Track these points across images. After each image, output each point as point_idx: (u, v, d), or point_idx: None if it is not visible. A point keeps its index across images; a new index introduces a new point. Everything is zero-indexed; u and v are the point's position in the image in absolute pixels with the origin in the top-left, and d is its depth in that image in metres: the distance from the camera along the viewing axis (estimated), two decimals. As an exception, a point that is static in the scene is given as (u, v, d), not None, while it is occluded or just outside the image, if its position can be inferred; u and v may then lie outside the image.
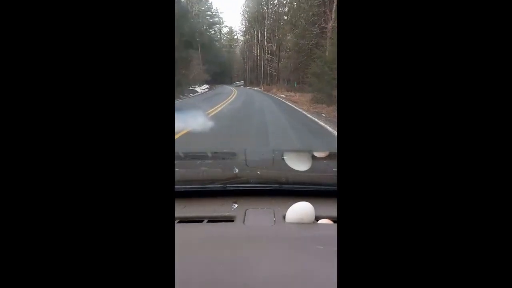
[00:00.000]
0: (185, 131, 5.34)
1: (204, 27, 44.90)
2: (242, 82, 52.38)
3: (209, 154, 1.45)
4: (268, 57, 34.41)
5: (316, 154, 1.33)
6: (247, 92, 24.92)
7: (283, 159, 1.24)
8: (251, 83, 41.92)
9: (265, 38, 36.37)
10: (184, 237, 0.54)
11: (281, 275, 0.44)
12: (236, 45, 63.26)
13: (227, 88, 33.02)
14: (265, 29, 36.22)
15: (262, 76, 36.62)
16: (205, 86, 30.89)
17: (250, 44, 46.18)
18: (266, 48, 35.89)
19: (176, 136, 4.95)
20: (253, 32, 43.50)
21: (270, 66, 33.00)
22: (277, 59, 29.83)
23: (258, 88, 32.07)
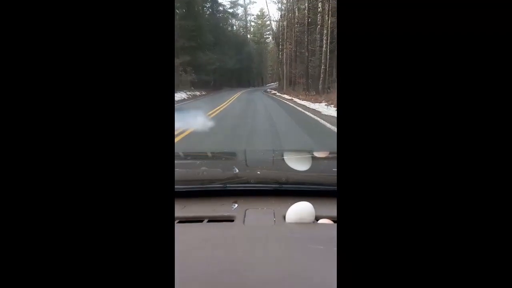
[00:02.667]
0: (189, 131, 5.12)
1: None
2: (276, 83, 32.36)
3: (209, 154, 1.45)
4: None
5: (316, 154, 1.33)
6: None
7: (283, 159, 1.24)
8: (291, 85, 20.15)
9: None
10: (184, 237, 0.54)
11: (281, 275, 0.44)
12: (269, 33, 40.23)
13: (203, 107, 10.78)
14: None
15: (323, 69, 13.48)
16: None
17: (288, 14, 22.18)
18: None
19: (181, 136, 4.83)
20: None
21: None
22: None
23: (314, 106, 10.11)
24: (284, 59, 23.68)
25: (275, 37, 30.66)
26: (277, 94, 19.79)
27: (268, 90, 27.42)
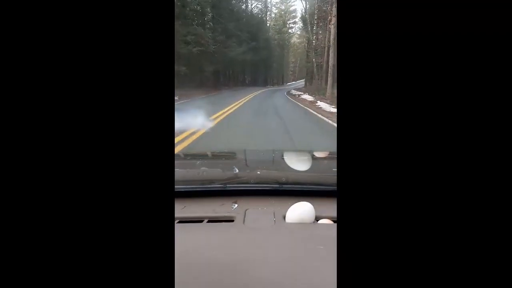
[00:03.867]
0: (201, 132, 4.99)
1: None
2: (300, 82, 26.58)
3: (209, 154, 1.45)
4: None
5: (316, 154, 1.33)
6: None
7: (283, 159, 1.24)
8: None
9: None
10: (184, 237, 0.54)
11: (281, 275, 0.44)
12: (294, 22, 31.77)
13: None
14: None
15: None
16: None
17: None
18: None
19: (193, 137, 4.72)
20: None
21: None
22: None
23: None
24: (326, 41, 13.53)
25: (309, 14, 20.85)
26: (322, 108, 9.36)
27: (294, 92, 17.23)
